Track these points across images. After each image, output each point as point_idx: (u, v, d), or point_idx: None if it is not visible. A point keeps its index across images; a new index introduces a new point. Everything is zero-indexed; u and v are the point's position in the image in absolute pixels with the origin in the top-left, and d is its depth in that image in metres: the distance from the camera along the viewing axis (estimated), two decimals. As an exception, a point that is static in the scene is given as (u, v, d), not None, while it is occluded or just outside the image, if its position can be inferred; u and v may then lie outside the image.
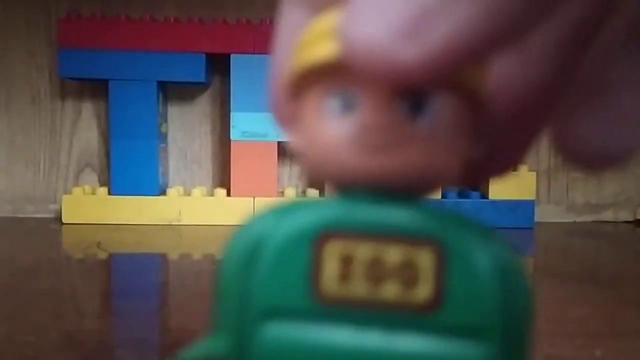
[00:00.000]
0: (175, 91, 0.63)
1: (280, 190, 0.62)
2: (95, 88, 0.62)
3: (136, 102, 0.58)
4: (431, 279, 0.10)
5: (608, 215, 0.64)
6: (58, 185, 0.63)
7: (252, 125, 0.58)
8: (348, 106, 0.10)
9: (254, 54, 0.58)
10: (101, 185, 0.62)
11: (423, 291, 0.10)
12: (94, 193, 0.59)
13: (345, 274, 0.10)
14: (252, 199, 0.59)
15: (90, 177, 0.63)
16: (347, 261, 0.10)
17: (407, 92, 0.09)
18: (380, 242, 0.10)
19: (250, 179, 0.59)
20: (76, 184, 0.63)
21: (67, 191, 0.62)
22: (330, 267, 0.10)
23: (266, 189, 0.59)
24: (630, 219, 0.64)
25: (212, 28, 0.58)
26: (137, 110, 0.58)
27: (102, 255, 0.45)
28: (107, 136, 0.62)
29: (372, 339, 0.10)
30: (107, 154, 0.61)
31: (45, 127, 0.63)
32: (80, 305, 0.33)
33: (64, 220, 0.58)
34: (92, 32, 0.57)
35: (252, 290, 0.10)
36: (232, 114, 0.58)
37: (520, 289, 0.10)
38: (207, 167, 0.64)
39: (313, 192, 0.59)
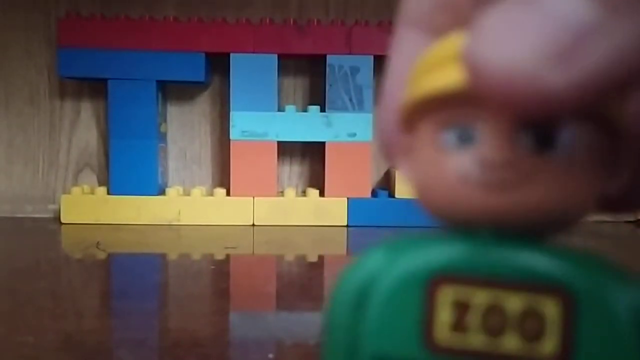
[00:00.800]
0: (175, 91, 0.63)
1: (280, 190, 0.62)
2: (94, 88, 0.62)
3: (135, 101, 0.57)
4: (558, 331, 0.08)
5: (609, 215, 0.64)
6: (57, 185, 0.63)
7: (252, 125, 0.58)
8: (466, 139, 0.09)
9: (253, 53, 0.57)
10: (100, 185, 0.62)
11: (549, 345, 0.08)
12: (93, 193, 0.59)
13: (460, 323, 0.09)
14: (252, 198, 0.58)
15: (89, 177, 0.63)
16: (462, 308, 0.09)
17: (533, 124, 0.08)
18: (499, 288, 0.09)
19: (250, 179, 0.59)
20: (75, 184, 0.62)
21: (66, 191, 0.61)
22: (444, 315, 0.09)
23: (266, 189, 0.59)
24: (631, 219, 0.64)
25: (212, 28, 0.57)
26: (137, 110, 0.58)
27: (101, 256, 0.45)
28: (106, 136, 0.62)
29: None
30: (106, 154, 0.61)
31: (44, 126, 0.62)
32: (80, 305, 0.32)
33: (62, 220, 0.58)
34: (92, 31, 0.57)
35: (361, 337, 0.09)
36: (231, 113, 0.58)
37: None
38: (206, 167, 0.64)
39: (313, 192, 0.59)
